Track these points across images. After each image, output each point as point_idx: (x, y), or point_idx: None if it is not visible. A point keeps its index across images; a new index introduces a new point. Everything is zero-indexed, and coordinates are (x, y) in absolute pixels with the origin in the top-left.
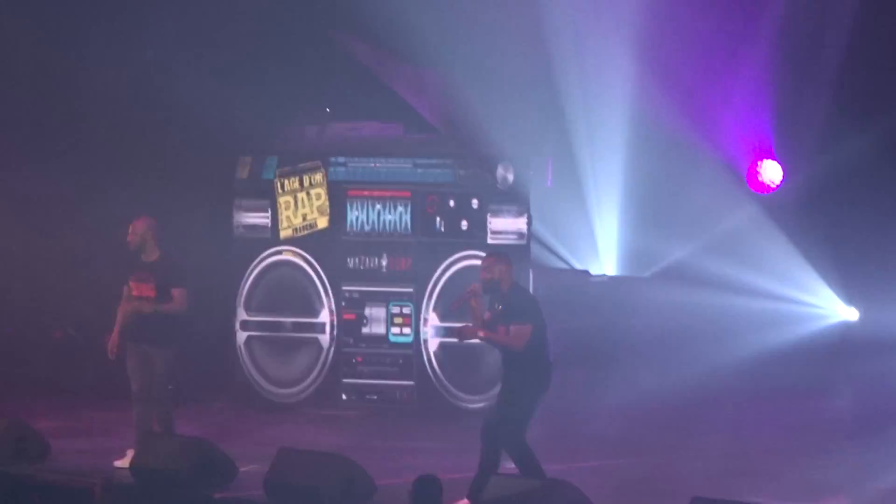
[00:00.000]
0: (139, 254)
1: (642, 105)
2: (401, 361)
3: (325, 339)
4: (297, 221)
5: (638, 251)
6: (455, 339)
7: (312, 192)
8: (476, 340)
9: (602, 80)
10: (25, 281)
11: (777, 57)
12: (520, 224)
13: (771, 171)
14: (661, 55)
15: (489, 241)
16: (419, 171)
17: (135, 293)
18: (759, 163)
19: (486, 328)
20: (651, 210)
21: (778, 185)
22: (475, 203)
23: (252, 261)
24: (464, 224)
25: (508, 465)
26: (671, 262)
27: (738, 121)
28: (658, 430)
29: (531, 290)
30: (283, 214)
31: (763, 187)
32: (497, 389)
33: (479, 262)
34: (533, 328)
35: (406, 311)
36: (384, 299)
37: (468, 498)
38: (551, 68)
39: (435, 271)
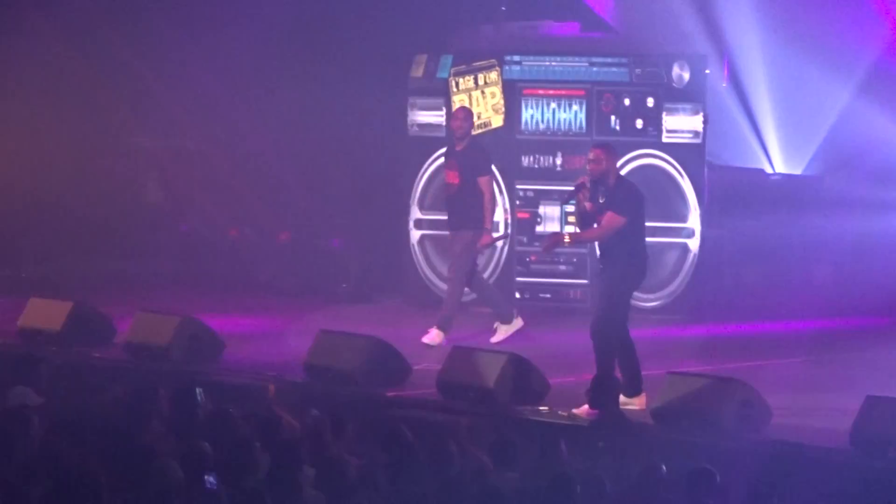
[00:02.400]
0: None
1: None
2: (574, 260)
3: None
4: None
5: (805, 148)
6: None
7: (487, 90)
8: (566, 248)
9: None
10: (203, 181)
11: None
12: (695, 123)
13: None
14: None
15: (664, 139)
16: (595, 69)
17: (447, 180)
18: None
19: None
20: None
21: None
22: (650, 102)
23: (426, 159)
24: (639, 123)
25: None
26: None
27: None
28: (830, 333)
29: (705, 188)
30: None
31: None
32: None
33: (652, 161)
34: (627, 220)
35: None
36: (558, 198)
37: (588, 404)
38: None
39: None
